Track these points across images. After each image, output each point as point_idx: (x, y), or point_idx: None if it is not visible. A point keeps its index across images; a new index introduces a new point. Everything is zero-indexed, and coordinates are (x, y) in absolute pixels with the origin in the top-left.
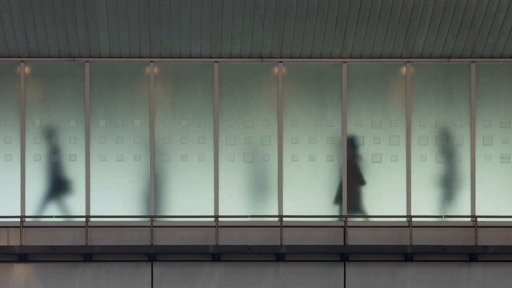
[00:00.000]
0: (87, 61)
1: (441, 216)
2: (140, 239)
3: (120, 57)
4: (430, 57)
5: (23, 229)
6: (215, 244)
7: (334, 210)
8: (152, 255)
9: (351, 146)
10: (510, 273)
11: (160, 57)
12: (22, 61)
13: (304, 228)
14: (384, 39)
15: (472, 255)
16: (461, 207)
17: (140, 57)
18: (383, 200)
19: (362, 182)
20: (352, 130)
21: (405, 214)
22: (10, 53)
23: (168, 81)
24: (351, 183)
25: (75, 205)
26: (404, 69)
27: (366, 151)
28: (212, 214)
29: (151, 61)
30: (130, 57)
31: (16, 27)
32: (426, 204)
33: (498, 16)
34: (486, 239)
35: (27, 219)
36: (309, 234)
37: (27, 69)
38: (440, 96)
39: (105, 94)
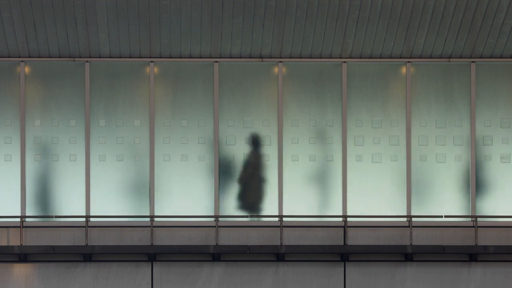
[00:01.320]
0: (87, 61)
1: (441, 216)
2: (140, 239)
3: (120, 57)
4: (430, 57)
5: (23, 229)
6: (215, 244)
7: (335, 210)
8: (152, 255)
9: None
10: (510, 273)
11: (160, 57)
12: (22, 61)
13: (304, 228)
14: (384, 39)
15: (472, 255)
16: (462, 207)
17: (140, 57)
18: (384, 200)
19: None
20: (353, 130)
21: (410, 214)
22: (10, 53)
23: (168, 81)
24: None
25: (74, 205)
26: (404, 69)
27: (366, 151)
28: (212, 214)
29: (151, 61)
30: (130, 57)
31: (16, 27)
32: (426, 205)
33: (498, 16)
34: (486, 239)
35: (27, 219)
36: (309, 234)
37: (27, 69)
38: (440, 96)
39: (105, 94)
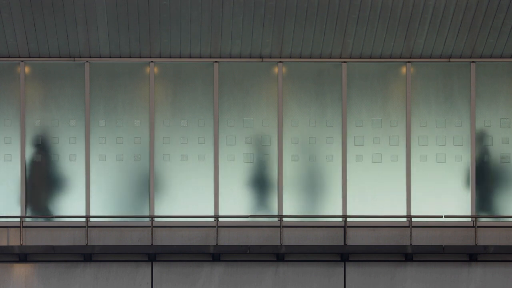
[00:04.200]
0: (87, 61)
1: (441, 216)
2: (140, 239)
3: (120, 57)
4: (430, 57)
5: (23, 229)
6: (215, 244)
7: (334, 210)
8: (152, 255)
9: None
10: (510, 273)
11: (160, 57)
12: (22, 61)
13: (304, 228)
14: (384, 39)
15: (472, 255)
16: (460, 206)
17: (140, 57)
18: (384, 200)
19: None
20: (353, 130)
21: (410, 214)
22: (10, 53)
23: (168, 81)
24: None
25: (73, 205)
26: (404, 69)
27: (366, 151)
28: (212, 214)
29: (151, 61)
30: (130, 57)
31: (16, 27)
32: (425, 204)
33: (498, 16)
34: (486, 239)
35: (27, 219)
36: (309, 234)
37: (27, 69)
38: (440, 96)
39: (105, 94)
